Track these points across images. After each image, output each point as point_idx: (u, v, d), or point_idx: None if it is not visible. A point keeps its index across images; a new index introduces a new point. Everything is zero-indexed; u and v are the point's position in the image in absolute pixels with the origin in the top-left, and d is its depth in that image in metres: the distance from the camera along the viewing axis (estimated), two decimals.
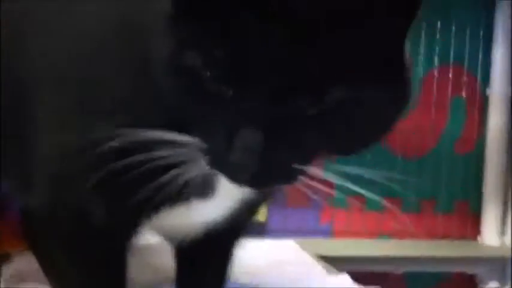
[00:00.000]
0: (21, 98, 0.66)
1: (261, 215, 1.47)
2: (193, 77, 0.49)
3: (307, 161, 0.52)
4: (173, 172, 0.53)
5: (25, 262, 1.01)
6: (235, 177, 0.51)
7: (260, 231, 1.49)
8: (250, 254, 1.16)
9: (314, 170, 0.55)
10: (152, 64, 0.54)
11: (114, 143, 0.52)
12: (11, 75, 0.67)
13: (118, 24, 0.62)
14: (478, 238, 1.71)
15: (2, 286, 0.94)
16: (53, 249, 0.69)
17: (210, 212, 0.67)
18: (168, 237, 0.78)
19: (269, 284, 1.09)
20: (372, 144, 0.57)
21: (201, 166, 0.52)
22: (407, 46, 0.54)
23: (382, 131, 0.56)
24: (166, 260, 0.84)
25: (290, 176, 0.52)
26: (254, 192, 0.65)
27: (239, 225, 0.75)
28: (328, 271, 1.22)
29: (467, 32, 1.69)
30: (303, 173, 0.52)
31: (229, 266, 0.82)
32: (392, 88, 0.52)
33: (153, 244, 0.87)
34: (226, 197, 0.65)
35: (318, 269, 1.22)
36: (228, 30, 0.47)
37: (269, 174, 0.51)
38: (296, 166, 0.51)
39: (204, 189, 0.62)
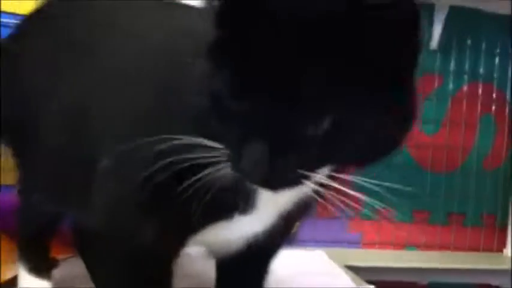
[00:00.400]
0: (81, 126, 0.76)
1: None
2: (218, 96, 0.57)
3: (311, 169, 0.58)
4: (207, 171, 0.60)
5: (72, 267, 1.13)
6: (251, 180, 0.58)
7: (290, 241, 1.57)
8: (280, 263, 1.25)
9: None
10: (188, 84, 0.62)
11: (162, 146, 0.60)
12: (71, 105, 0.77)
13: (165, 50, 0.71)
14: (504, 251, 1.76)
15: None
16: (104, 260, 0.78)
17: (251, 226, 0.74)
18: (212, 250, 0.84)
19: None
20: (379, 158, 0.63)
21: (227, 168, 0.59)
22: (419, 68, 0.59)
23: (388, 147, 0.62)
24: (204, 269, 0.92)
25: (295, 181, 0.58)
26: (292, 207, 0.72)
27: (278, 238, 0.82)
28: (355, 282, 1.29)
29: (497, 49, 1.74)
30: (308, 177, 0.58)
31: (266, 276, 0.89)
32: (394, 111, 0.57)
33: (192, 253, 0.96)
34: (265, 211, 0.72)
35: (345, 280, 1.30)
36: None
37: (276, 179, 0.57)
38: (301, 172, 0.57)
39: (245, 205, 0.69)
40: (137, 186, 0.67)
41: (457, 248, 1.74)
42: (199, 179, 0.60)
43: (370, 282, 1.57)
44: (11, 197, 1.19)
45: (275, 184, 0.58)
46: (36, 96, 0.87)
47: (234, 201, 0.68)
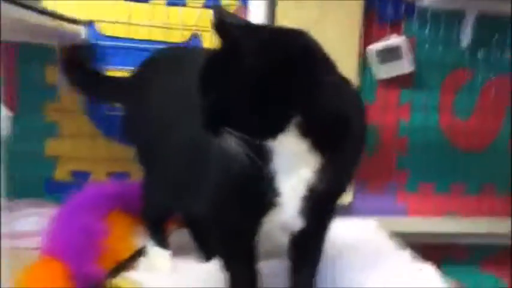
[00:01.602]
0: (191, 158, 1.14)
1: (346, 198, 1.86)
2: None
3: None
4: None
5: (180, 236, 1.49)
6: None
7: (346, 212, 1.87)
8: (336, 232, 1.56)
9: None
10: None
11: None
12: None
13: None
14: None
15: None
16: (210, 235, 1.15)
17: (289, 210, 1.04)
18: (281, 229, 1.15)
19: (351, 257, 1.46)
20: None
21: None
22: None
23: None
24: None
25: None
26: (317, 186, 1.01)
27: (324, 213, 1.13)
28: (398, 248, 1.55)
29: None
30: None
31: (323, 243, 1.18)
32: None
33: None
34: (292, 196, 1.02)
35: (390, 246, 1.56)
36: None
37: None
38: None
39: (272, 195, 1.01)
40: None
41: (490, 214, 1.99)
42: None
43: (416, 246, 1.85)
44: (126, 186, 1.56)
45: None
46: (161, 124, 1.24)
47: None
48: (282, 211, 1.04)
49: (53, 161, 1.74)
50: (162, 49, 1.52)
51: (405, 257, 1.48)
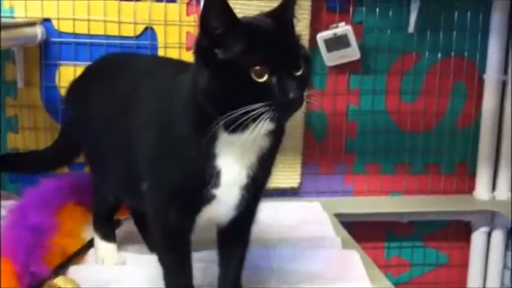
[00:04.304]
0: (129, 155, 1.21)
1: (293, 182, 1.97)
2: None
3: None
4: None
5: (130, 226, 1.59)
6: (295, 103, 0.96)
7: (294, 194, 1.98)
8: (282, 215, 1.66)
9: None
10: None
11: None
12: None
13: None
14: (473, 193, 2.11)
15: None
16: (150, 226, 1.23)
17: (227, 202, 1.10)
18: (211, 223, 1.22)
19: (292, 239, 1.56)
20: None
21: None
22: None
23: None
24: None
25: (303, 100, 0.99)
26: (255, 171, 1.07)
27: (257, 201, 1.17)
28: (335, 230, 1.66)
29: (467, 25, 2.01)
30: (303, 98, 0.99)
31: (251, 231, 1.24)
32: None
33: None
34: (231, 190, 1.09)
35: (329, 228, 1.67)
36: None
37: (302, 99, 0.97)
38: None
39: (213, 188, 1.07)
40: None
41: (433, 192, 2.10)
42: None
43: (361, 224, 1.97)
44: (82, 177, 1.66)
45: (302, 102, 0.98)
46: (100, 123, 1.33)
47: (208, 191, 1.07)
48: (220, 204, 1.11)
49: None
50: (106, 55, 1.60)
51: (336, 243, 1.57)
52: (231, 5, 0.96)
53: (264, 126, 0.96)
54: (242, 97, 0.95)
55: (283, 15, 1.03)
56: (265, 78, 0.95)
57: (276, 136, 1.09)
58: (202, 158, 1.05)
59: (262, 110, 0.94)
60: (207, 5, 0.95)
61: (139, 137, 1.18)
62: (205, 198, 1.09)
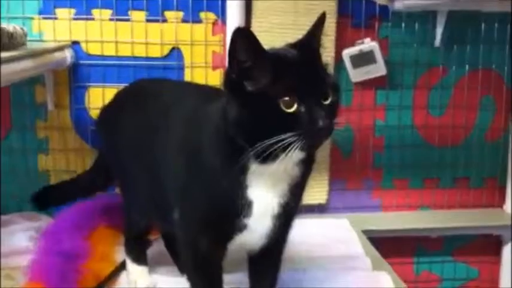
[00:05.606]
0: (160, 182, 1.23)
1: (321, 198, 1.97)
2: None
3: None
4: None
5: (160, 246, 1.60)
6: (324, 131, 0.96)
7: (321, 210, 1.99)
8: (310, 232, 1.65)
9: None
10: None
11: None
12: None
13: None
14: (504, 207, 2.09)
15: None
16: (181, 251, 1.23)
17: (258, 230, 1.10)
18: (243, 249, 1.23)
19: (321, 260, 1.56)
20: None
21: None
22: None
23: None
24: None
25: (333, 128, 0.98)
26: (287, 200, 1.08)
27: (284, 232, 1.18)
28: (365, 248, 1.66)
29: (495, 39, 1.99)
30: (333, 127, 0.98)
31: (282, 258, 1.25)
32: None
33: None
34: (263, 219, 1.09)
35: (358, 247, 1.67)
36: None
37: (331, 127, 0.97)
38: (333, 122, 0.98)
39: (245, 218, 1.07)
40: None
41: (462, 207, 2.08)
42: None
43: (390, 239, 1.96)
44: (112, 198, 1.68)
45: (331, 129, 0.98)
46: (131, 149, 1.35)
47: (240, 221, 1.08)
48: (251, 232, 1.11)
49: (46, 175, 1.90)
50: (136, 81, 1.62)
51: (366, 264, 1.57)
52: (257, 37, 0.97)
53: (294, 155, 0.98)
54: (272, 127, 0.95)
55: (309, 45, 1.04)
56: (294, 108, 0.95)
57: (306, 165, 1.10)
58: (233, 189, 1.06)
59: (292, 139, 0.94)
60: (235, 39, 0.96)
61: (169, 165, 1.19)
62: (237, 228, 1.10)
